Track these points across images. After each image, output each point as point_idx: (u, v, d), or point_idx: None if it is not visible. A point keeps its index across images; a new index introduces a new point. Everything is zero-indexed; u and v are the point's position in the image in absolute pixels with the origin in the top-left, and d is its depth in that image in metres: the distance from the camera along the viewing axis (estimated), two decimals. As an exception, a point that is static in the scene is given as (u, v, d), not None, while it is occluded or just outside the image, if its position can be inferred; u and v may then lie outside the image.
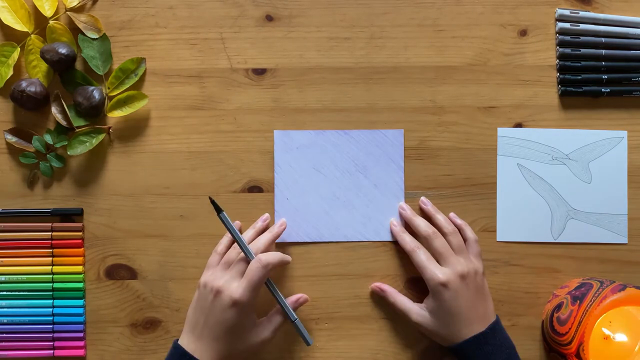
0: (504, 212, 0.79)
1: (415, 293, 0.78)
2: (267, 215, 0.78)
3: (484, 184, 0.79)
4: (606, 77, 0.79)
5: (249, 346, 0.71)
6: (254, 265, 0.70)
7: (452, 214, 0.78)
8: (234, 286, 0.70)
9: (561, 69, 0.79)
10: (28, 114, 0.78)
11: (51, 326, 0.77)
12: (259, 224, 0.77)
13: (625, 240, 0.79)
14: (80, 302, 0.77)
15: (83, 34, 0.77)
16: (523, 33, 0.79)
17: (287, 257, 0.73)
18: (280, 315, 0.74)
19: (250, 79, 0.79)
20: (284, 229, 0.77)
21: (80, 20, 0.77)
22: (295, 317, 0.73)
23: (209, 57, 0.79)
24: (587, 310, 0.70)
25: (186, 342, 0.70)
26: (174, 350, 0.70)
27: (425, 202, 0.78)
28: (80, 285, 0.78)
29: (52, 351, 0.77)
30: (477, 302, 0.73)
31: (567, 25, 0.79)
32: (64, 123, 0.77)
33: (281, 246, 0.78)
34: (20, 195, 0.78)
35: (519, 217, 0.79)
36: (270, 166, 0.79)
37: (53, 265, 0.77)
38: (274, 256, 0.71)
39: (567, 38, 0.79)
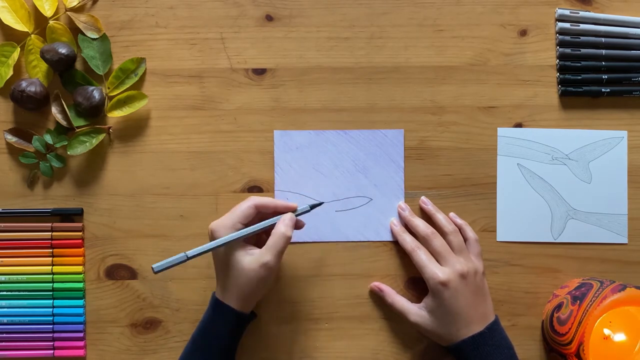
0: (504, 212, 0.79)
1: (415, 293, 0.78)
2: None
3: (484, 184, 0.79)
4: (606, 77, 0.79)
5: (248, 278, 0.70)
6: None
7: (452, 214, 0.78)
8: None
9: (561, 69, 0.79)
10: (28, 114, 0.78)
11: (51, 326, 0.77)
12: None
13: (625, 240, 0.79)
14: (80, 302, 0.77)
15: (83, 34, 0.77)
16: (523, 33, 0.79)
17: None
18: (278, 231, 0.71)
19: (250, 79, 0.79)
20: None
21: (80, 20, 0.77)
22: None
23: (209, 57, 0.79)
24: (587, 310, 0.70)
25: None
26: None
27: (426, 202, 0.78)
28: (80, 285, 0.78)
29: (52, 351, 0.77)
30: (477, 302, 0.73)
31: (567, 25, 0.79)
32: (64, 123, 0.77)
33: (281, 246, 0.78)
34: (20, 195, 0.78)
35: (519, 217, 0.79)
36: (270, 166, 0.79)
37: (53, 265, 0.77)
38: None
39: (567, 38, 0.79)
